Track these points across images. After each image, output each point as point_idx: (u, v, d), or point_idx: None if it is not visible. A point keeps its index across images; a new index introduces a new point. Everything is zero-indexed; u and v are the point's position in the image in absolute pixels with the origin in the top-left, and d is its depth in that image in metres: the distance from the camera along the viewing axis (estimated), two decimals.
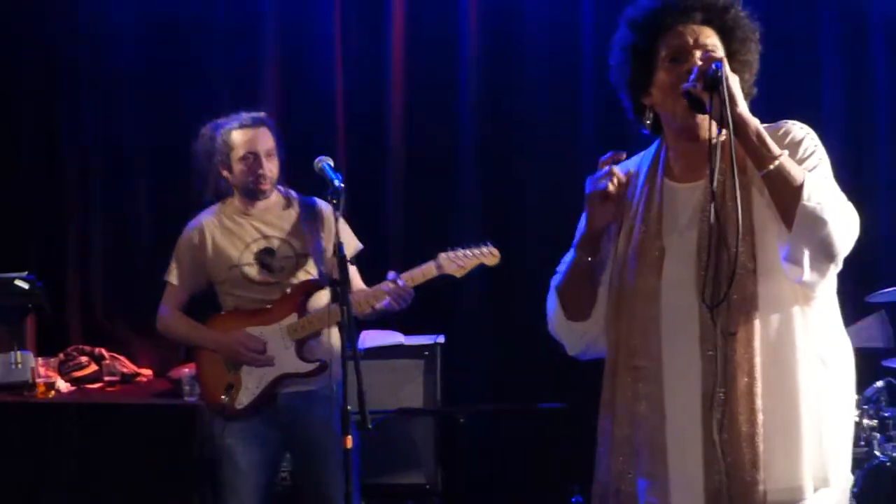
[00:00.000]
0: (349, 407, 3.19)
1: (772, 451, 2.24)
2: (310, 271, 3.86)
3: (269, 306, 3.82)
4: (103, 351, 5.24)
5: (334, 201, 3.36)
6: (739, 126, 2.20)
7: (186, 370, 4.68)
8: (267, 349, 3.78)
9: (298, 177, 3.98)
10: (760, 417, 2.23)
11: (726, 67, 2.20)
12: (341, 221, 3.81)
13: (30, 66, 5.72)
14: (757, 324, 2.26)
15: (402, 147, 5.50)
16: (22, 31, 5.67)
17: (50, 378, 4.83)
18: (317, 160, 3.55)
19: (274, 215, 3.90)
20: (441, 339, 4.86)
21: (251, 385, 3.78)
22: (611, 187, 2.36)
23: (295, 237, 3.86)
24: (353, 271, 3.92)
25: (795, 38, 5.13)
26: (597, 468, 2.47)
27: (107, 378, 5.10)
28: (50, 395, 4.78)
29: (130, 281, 5.64)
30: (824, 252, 2.21)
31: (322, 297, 3.87)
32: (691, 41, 2.33)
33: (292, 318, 3.79)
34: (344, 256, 3.28)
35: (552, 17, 5.41)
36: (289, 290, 3.81)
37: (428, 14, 5.51)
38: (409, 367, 4.78)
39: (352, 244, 3.96)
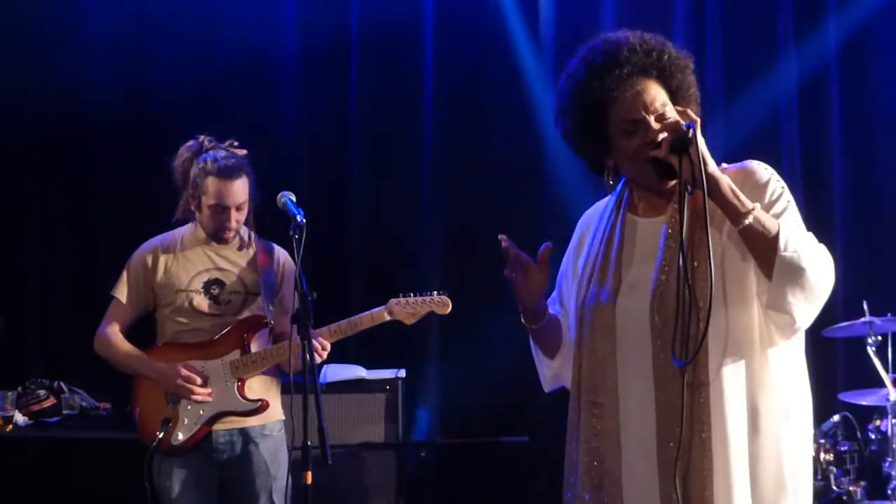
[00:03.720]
0: (309, 442, 3.17)
1: (728, 496, 2.25)
2: (258, 307, 3.85)
3: (211, 339, 3.79)
4: (62, 384, 5.19)
5: (296, 237, 3.36)
6: (713, 185, 2.22)
7: None
8: (208, 384, 3.75)
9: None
10: (716, 463, 2.24)
11: (698, 131, 2.22)
12: (287, 270, 3.90)
13: None
14: (724, 372, 2.27)
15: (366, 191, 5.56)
16: None
17: (8, 411, 4.77)
18: (280, 195, 3.55)
19: (231, 251, 3.90)
20: (402, 373, 4.86)
21: (189, 420, 3.74)
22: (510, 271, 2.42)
23: (248, 275, 3.86)
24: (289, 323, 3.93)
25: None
26: (563, 499, 2.48)
27: (66, 412, 5.05)
28: (8, 429, 4.72)
29: (91, 313, 5.59)
30: (807, 298, 2.24)
31: (264, 337, 3.86)
32: (641, 109, 2.32)
33: (235, 355, 3.77)
34: (306, 291, 3.27)
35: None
36: (233, 325, 3.79)
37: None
38: (370, 401, 4.76)
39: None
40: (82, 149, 5.72)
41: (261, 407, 3.76)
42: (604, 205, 2.58)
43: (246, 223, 3.92)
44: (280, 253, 3.96)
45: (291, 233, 3.39)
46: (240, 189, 3.80)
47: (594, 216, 2.59)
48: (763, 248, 2.23)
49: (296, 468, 3.21)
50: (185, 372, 3.71)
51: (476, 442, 5.07)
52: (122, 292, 3.90)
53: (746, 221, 2.22)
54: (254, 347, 3.80)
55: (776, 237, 2.21)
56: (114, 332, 3.88)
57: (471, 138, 5.59)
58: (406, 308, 3.82)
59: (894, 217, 5.19)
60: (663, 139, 2.27)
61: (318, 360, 3.61)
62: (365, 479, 4.69)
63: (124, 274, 3.91)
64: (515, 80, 5.53)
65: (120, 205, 5.67)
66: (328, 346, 3.74)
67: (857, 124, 5.32)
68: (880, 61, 5.31)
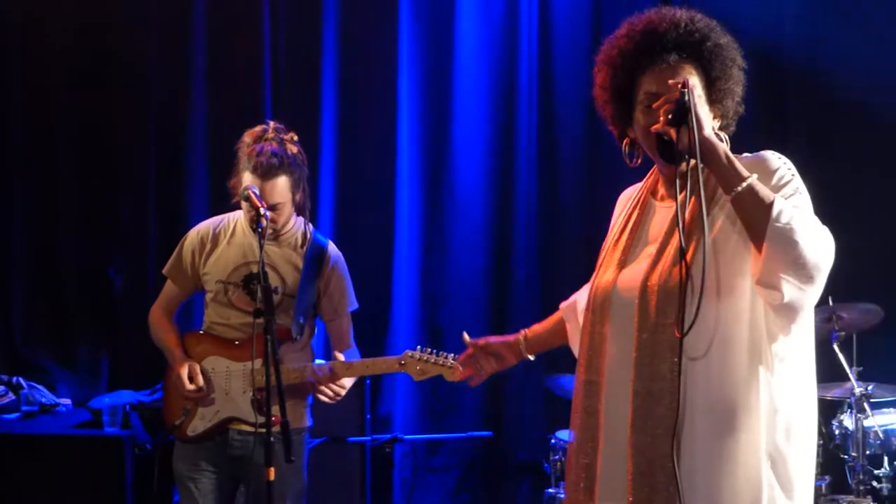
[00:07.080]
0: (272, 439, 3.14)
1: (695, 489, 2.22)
2: (289, 315, 3.71)
3: (241, 340, 3.67)
4: (21, 380, 5.13)
5: (259, 229, 3.33)
6: (707, 150, 2.18)
7: (107, 400, 4.59)
8: (228, 387, 3.66)
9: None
10: (685, 454, 2.22)
11: (693, 94, 2.17)
12: (336, 272, 3.81)
13: None
14: (704, 360, 2.24)
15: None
16: None
17: None
18: (244, 187, 3.52)
19: (279, 246, 3.76)
20: None
21: (206, 416, 3.67)
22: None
23: (290, 276, 3.72)
24: (348, 326, 3.87)
25: None
26: (566, 480, 2.50)
27: (24, 408, 4.99)
28: None
29: (51, 308, 5.53)
30: (798, 274, 2.15)
31: (290, 351, 3.72)
32: (665, 85, 2.27)
33: (257, 364, 3.53)
34: (268, 286, 3.22)
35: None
36: (261, 333, 3.50)
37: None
38: None
39: (348, 301, 3.87)
40: (43, 129, 5.64)
41: (273, 422, 3.60)
42: (635, 187, 2.59)
43: (301, 213, 3.79)
44: (332, 253, 3.82)
45: (253, 226, 3.35)
46: (273, 190, 3.62)
47: (625, 198, 2.61)
48: (755, 217, 2.16)
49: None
50: (178, 370, 3.64)
51: (441, 436, 5.05)
52: (171, 273, 3.83)
53: (740, 188, 2.17)
54: (284, 360, 3.62)
55: (769, 206, 2.15)
56: (160, 313, 3.83)
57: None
58: (418, 364, 3.68)
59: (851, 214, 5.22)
60: (662, 111, 2.22)
61: (334, 400, 3.69)
62: (329, 475, 4.67)
63: (175, 253, 3.82)
64: None
65: (84, 194, 5.58)
66: (346, 385, 3.70)
67: None
68: None
